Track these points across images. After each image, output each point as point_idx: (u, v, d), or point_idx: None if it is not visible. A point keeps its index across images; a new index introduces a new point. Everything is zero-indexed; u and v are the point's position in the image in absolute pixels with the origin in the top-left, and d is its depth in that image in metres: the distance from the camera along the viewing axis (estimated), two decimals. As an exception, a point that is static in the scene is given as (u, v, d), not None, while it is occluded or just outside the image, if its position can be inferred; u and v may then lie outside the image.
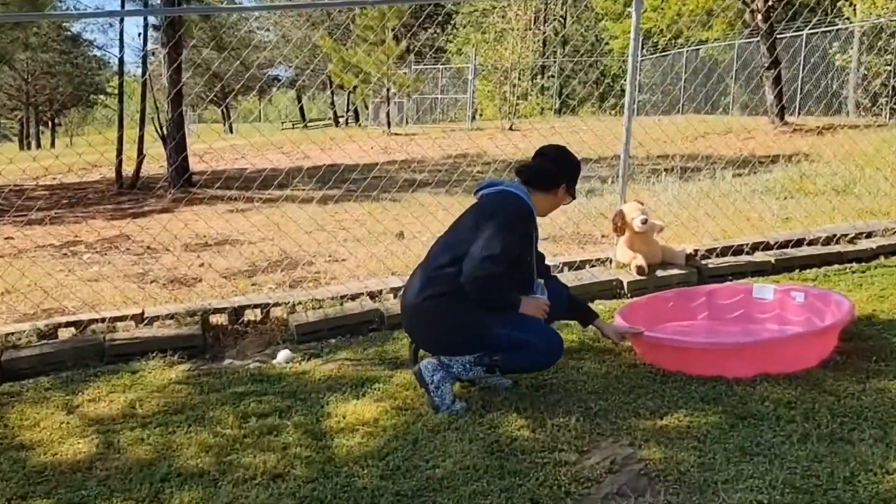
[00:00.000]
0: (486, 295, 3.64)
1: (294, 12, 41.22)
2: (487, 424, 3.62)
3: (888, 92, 20.42)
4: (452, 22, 37.50)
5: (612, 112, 20.63)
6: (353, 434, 3.64)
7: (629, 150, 6.06)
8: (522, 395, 3.91)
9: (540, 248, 4.25)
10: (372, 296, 5.60)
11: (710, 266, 5.90)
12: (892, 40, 20.40)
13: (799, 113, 20.84)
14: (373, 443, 3.53)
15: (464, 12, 36.18)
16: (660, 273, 5.74)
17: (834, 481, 2.95)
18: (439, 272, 3.73)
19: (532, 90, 29.29)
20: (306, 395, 4.15)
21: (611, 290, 5.65)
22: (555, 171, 3.98)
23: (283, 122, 45.38)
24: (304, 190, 11.16)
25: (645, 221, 5.67)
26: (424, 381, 3.77)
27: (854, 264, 5.99)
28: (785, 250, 6.16)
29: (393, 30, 23.23)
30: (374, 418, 3.79)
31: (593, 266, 6.04)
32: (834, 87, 22.57)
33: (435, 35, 35.24)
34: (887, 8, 21.14)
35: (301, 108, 54.15)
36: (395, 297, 5.51)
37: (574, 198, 4.11)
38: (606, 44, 35.88)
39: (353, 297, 5.56)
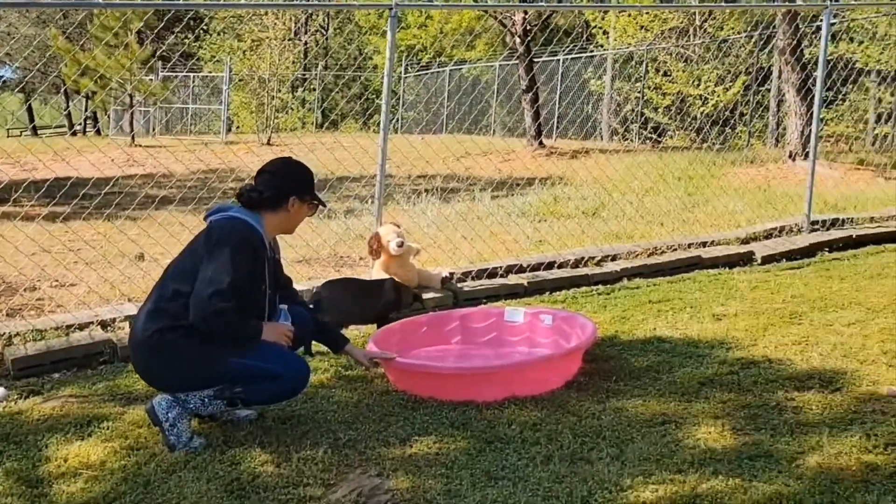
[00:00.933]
0: (219, 332, 3.59)
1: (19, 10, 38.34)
2: (228, 461, 3.56)
3: (637, 118, 22.42)
4: (204, 26, 36.61)
5: (377, 128, 21.06)
6: (76, 479, 3.45)
7: (385, 171, 6.22)
8: (268, 429, 3.89)
9: (289, 272, 4.26)
10: (104, 325, 5.33)
11: (466, 289, 6.18)
12: (640, 68, 22.45)
13: (556, 136, 22.32)
14: (98, 488, 3.37)
15: (219, 17, 35.44)
16: (415, 297, 5.93)
17: (573, 501, 3.20)
18: (168, 304, 3.62)
19: (292, 103, 29.19)
20: (21, 438, 3.88)
21: (366, 314, 5.76)
22: (279, 186, 3.88)
23: (8, 129, 41.97)
24: (27, 206, 10.41)
25: (401, 244, 5.84)
26: (158, 419, 3.64)
27: (600, 286, 6.52)
28: (537, 273, 6.59)
29: (135, 32, 22.29)
30: (100, 461, 3.61)
31: (348, 290, 6.12)
32: (589, 111, 24.46)
33: (184, 39, 34.18)
34: (637, 37, 23.27)
35: (30, 112, 50.43)
36: (130, 325, 5.28)
37: (318, 207, 4.05)
38: (370, 58, 36.56)
39: (82, 327, 5.28)
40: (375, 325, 5.39)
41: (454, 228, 8.34)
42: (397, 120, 28.62)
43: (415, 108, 30.37)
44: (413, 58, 32.37)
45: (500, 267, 6.57)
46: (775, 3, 12.84)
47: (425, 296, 5.96)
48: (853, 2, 12.87)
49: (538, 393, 4.28)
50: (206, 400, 3.70)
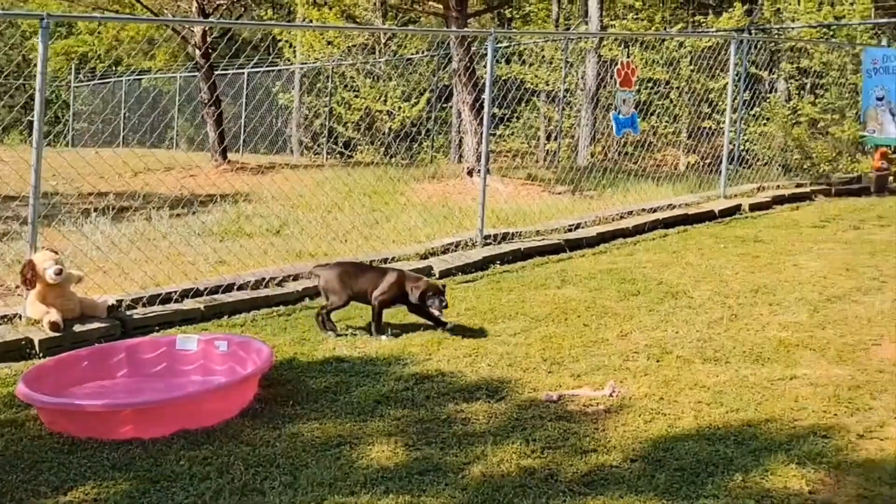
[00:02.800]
0: None
1: None
2: None
3: (327, 133, 22.72)
4: None
5: (49, 142, 19.51)
6: None
7: (40, 190, 5.78)
8: None
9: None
10: None
11: (136, 317, 5.89)
12: (328, 83, 22.77)
13: (244, 151, 22.01)
14: None
15: None
16: (78, 328, 5.56)
17: (241, 536, 3.14)
18: None
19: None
20: None
21: (19, 350, 5.31)
22: None
23: None
24: None
25: (60, 272, 5.45)
26: None
27: (281, 307, 6.49)
28: (215, 296, 6.42)
29: None
30: None
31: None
32: (279, 125, 24.40)
33: None
34: (324, 52, 23.60)
35: None
36: None
37: None
38: (36, 65, 33.80)
39: None
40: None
41: (128, 250, 7.92)
42: (66, 133, 26.76)
43: (91, 120, 28.53)
44: (86, 66, 30.42)
45: (175, 291, 6.33)
46: (448, 30, 13.57)
47: (88, 326, 5.59)
48: (514, 31, 13.94)
49: (211, 424, 4.17)
50: None
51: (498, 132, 19.67)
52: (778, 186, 11.72)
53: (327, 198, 11.13)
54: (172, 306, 6.16)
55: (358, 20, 22.06)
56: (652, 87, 16.91)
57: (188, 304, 6.24)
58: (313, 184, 12.32)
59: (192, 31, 17.34)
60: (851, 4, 14.96)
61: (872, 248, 7.86)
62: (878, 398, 4.42)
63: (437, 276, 7.40)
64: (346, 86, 22.40)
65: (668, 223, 9.42)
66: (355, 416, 4.33)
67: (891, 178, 12.90)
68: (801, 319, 5.77)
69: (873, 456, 3.74)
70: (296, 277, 6.99)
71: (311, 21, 22.11)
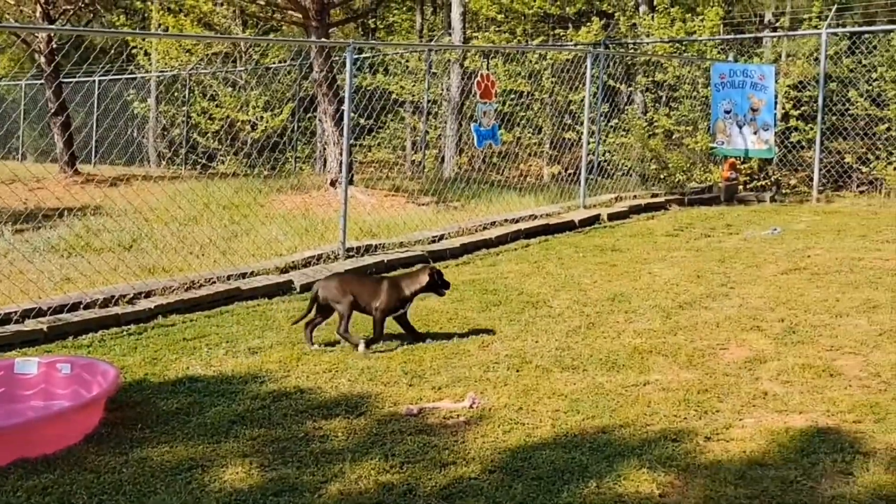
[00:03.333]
0: None
1: None
2: None
3: (185, 143, 22.12)
4: None
5: None
6: None
7: None
8: None
9: None
10: None
11: (-29, 340, 5.55)
12: (185, 91, 22.19)
13: (96, 161, 21.18)
14: None
15: None
16: None
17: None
18: None
19: None
20: None
21: None
22: None
23: None
24: None
25: None
26: None
27: (132, 326, 6.27)
28: (60, 316, 6.14)
29: None
30: None
31: None
32: (135, 135, 23.58)
33: None
34: (181, 60, 22.98)
35: None
36: None
37: None
38: None
39: None
40: None
41: (-38, 270, 7.47)
42: None
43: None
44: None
45: (15, 312, 6.00)
46: (307, 39, 13.45)
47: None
48: (375, 41, 13.94)
49: (52, 452, 3.97)
50: None
51: (364, 143, 19.61)
52: (635, 196, 12.16)
53: (184, 211, 10.81)
54: (12, 327, 5.85)
55: (216, 28, 21.58)
56: (515, 99, 17.24)
57: (29, 324, 5.94)
58: (169, 196, 11.96)
59: (37, 36, 16.59)
60: (701, 21, 15.65)
61: (721, 256, 8.24)
62: (725, 400, 4.62)
63: (298, 290, 7.31)
64: (205, 94, 21.88)
65: (531, 233, 9.61)
66: (208, 438, 4.21)
67: (740, 187, 13.60)
68: (654, 326, 5.98)
69: (719, 457, 3.90)
70: (148, 294, 6.76)
71: (166, 28, 21.48)
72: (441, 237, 9.18)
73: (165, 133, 24.04)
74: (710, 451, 3.98)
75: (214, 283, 7.20)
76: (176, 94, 23.24)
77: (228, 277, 7.37)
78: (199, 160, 21.73)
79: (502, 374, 5.09)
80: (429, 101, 18.21)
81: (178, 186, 13.13)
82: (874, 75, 14.11)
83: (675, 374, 5.03)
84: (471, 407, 4.55)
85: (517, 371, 5.14)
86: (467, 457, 3.94)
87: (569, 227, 10.06)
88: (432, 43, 21.45)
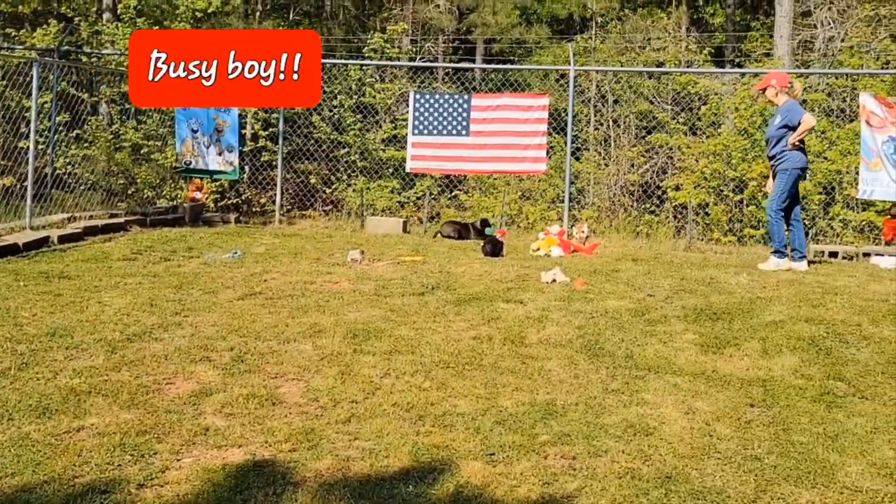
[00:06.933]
0: None
1: None
2: None
3: None
4: None
5: None
6: None
7: None
8: None
9: None
10: None
11: None
12: None
13: None
14: None
15: None
16: None
17: None
18: None
19: None
20: None
21: None
22: None
23: None
24: None
25: None
26: None
27: None
28: None
29: None
30: None
31: None
32: None
33: None
34: None
35: None
36: None
37: None
38: None
39: None
40: None
41: None
42: None
43: None
44: None
45: None
46: None
47: None
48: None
49: None
50: None
51: None
52: (91, 216, 11.60)
53: None
54: None
55: None
56: None
57: None
58: None
59: None
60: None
61: (179, 281, 8.16)
62: (164, 440, 4.55)
63: None
64: None
65: (-33, 258, 8.65)
66: None
67: (208, 207, 13.76)
68: (97, 363, 5.70)
69: (151, 505, 3.82)
70: None
71: None
72: None
73: None
74: (143, 500, 3.88)
75: None
76: None
77: None
78: None
79: None
80: None
81: None
82: (334, 103, 15.37)
83: (115, 416, 4.83)
84: None
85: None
86: None
87: (12, 250, 9.22)
88: None
